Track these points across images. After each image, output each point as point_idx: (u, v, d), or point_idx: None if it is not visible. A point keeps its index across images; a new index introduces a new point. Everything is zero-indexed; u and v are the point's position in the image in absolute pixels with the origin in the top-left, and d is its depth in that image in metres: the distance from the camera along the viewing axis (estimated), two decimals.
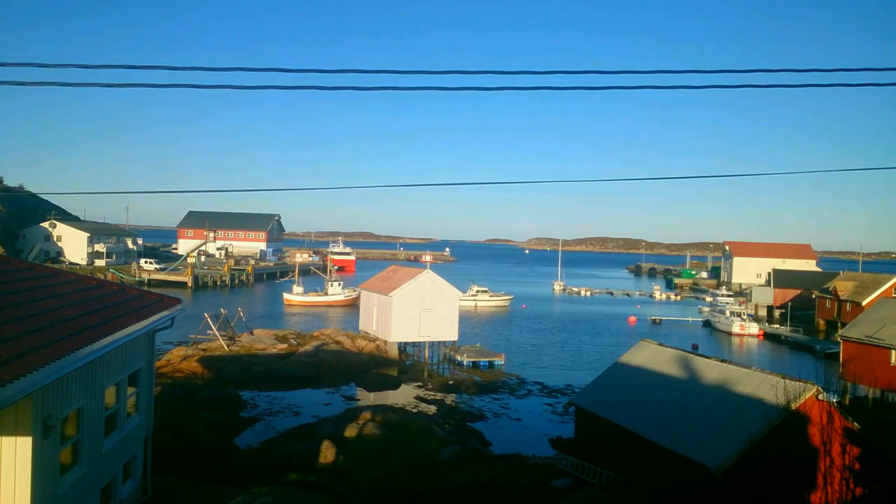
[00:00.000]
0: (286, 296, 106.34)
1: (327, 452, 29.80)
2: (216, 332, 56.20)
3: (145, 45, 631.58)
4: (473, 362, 58.12)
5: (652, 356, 31.88)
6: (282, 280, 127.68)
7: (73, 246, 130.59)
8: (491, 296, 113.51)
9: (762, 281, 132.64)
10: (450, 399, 45.94)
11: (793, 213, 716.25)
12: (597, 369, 39.08)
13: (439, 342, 60.43)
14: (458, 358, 58.81)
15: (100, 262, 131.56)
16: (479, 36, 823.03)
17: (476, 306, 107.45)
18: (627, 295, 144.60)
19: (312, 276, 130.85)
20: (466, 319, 62.23)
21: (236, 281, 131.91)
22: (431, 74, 11.17)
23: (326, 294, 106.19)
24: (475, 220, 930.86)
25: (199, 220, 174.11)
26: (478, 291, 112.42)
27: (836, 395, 23.22)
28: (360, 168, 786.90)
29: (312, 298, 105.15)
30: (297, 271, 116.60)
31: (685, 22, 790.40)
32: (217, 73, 10.40)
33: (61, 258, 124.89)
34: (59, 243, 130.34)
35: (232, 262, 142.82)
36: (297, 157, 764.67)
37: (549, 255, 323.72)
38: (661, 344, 33.44)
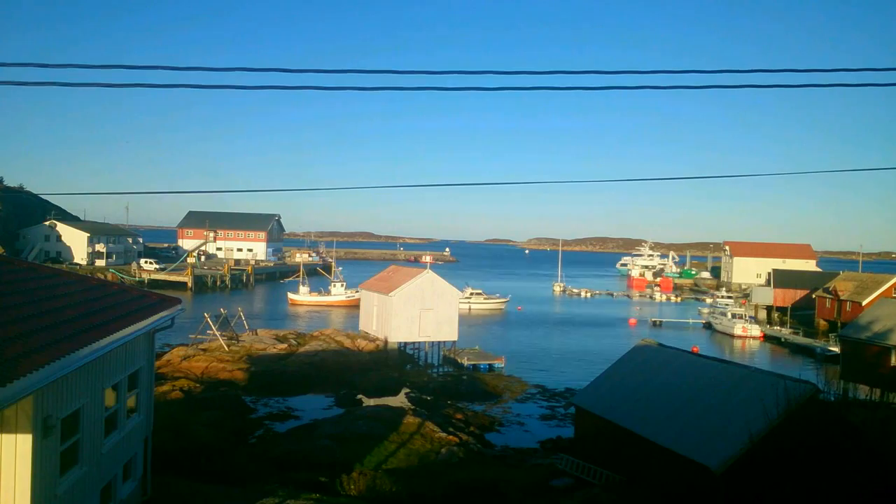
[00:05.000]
0: (291, 296, 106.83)
1: (327, 453, 29.80)
2: (216, 333, 56.19)
3: (145, 46, 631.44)
4: (474, 365, 58.08)
5: (652, 356, 31.87)
6: (285, 280, 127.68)
7: (74, 246, 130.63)
8: (486, 298, 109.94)
9: (762, 281, 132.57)
10: (450, 400, 45.89)
11: (793, 212, 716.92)
12: (597, 372, 39.02)
13: (439, 342, 60.44)
14: (459, 360, 58.75)
15: (100, 263, 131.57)
16: (479, 35, 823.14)
17: (470, 309, 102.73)
18: (628, 296, 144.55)
19: (317, 277, 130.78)
20: (460, 322, 62.21)
21: (237, 282, 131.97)
22: (431, 74, 11.18)
23: (330, 294, 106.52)
24: (475, 220, 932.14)
25: (200, 220, 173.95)
26: (472, 294, 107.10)
27: (835, 396, 23.19)
28: (361, 168, 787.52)
29: (316, 298, 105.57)
30: (301, 271, 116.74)
31: (685, 21, 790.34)
32: (217, 73, 10.42)
33: (62, 258, 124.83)
34: (60, 243, 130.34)
35: (232, 262, 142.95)
36: (298, 157, 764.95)
37: (549, 255, 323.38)
38: (660, 344, 33.44)
